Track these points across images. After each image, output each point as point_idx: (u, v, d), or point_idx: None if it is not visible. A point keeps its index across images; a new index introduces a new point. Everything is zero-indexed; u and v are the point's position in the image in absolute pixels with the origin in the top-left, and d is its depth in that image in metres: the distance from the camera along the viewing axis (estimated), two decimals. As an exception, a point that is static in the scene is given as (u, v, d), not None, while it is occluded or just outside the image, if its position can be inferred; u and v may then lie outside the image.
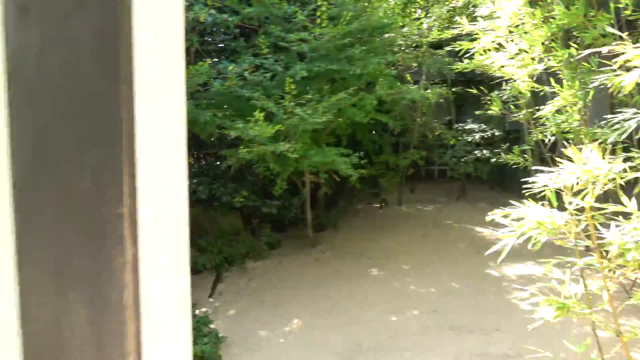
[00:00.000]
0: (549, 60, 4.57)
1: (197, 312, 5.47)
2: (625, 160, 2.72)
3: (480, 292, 5.58)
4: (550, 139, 5.42)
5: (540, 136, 5.29)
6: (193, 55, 5.90)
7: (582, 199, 2.28)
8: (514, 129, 9.19)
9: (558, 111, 4.65)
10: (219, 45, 6.27)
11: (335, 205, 8.91)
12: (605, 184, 2.28)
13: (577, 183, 2.31)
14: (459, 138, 9.60)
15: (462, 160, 9.38)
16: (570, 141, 4.49)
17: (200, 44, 5.91)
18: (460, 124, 10.09)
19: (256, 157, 5.50)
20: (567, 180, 2.30)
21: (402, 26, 7.75)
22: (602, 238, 2.37)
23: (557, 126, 4.70)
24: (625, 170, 2.43)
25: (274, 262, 7.27)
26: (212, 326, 5.03)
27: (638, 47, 2.65)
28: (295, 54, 5.87)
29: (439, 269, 6.36)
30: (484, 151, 8.97)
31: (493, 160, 8.45)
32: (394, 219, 8.90)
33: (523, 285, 5.64)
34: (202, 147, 7.53)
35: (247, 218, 7.76)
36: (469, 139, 9.49)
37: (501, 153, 6.40)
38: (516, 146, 6.18)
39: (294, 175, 7.00)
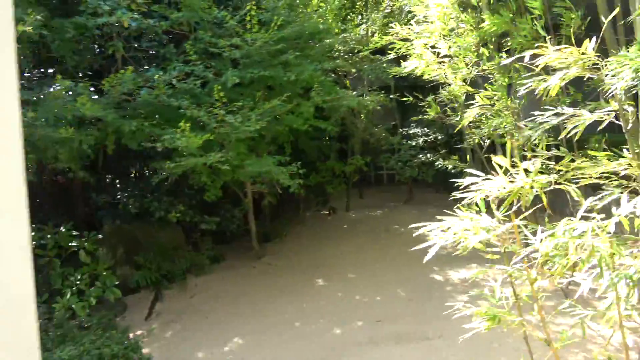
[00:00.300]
0: (479, 64, 4.60)
1: (131, 335, 5.11)
2: (557, 158, 2.70)
3: (424, 298, 5.54)
4: (486, 142, 5.46)
5: (477, 140, 5.33)
6: (120, 62, 5.55)
7: (507, 209, 2.22)
8: (455, 132, 9.33)
9: (492, 114, 4.68)
10: (149, 52, 5.94)
11: (282, 215, 8.71)
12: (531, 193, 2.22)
13: (503, 192, 2.24)
14: (404, 142, 9.66)
15: (408, 164, 9.42)
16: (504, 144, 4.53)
17: (127, 50, 5.57)
18: (405, 129, 10.16)
19: (189, 169, 5.22)
20: (492, 191, 2.22)
21: (340, 32, 7.68)
22: (531, 243, 2.32)
23: (491, 128, 4.73)
24: (553, 173, 2.40)
25: (217, 276, 6.97)
26: (145, 351, 4.71)
27: (559, 50, 2.63)
28: (229, 61, 5.64)
29: (384, 276, 6.29)
30: (428, 155, 9.04)
31: (437, 163, 8.53)
32: (342, 226, 8.80)
33: (466, 289, 5.64)
34: (136, 158, 7.15)
35: (188, 231, 7.43)
36: (413, 143, 9.56)
37: (442, 156, 6.42)
38: (456, 149, 6.23)
39: (235, 186, 6.74)
